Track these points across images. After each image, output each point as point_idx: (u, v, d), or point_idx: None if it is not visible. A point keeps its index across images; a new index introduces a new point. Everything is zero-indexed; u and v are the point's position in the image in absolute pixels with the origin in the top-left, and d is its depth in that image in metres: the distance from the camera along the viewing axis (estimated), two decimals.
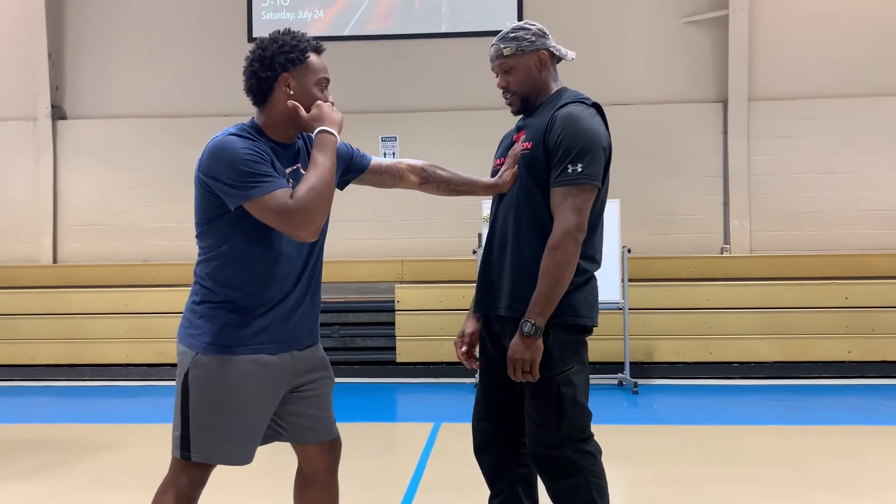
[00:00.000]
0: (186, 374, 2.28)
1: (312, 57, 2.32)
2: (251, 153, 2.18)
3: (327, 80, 2.36)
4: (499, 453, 2.68)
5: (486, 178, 2.76)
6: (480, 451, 2.73)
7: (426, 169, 2.73)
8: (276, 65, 2.27)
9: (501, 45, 2.62)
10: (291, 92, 2.28)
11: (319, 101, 2.29)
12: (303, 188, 2.15)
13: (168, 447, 2.31)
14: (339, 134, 2.28)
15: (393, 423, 6.23)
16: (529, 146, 2.56)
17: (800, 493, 3.98)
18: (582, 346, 2.56)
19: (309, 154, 2.31)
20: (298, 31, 2.35)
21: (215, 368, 2.26)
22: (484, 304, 2.68)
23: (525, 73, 2.62)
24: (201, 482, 2.32)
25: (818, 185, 8.31)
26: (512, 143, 2.71)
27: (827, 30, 8.32)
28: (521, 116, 2.76)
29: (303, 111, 2.27)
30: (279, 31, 2.34)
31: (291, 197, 2.14)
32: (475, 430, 2.74)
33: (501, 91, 2.68)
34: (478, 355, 2.77)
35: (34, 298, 8.23)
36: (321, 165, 2.20)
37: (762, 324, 7.50)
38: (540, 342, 2.41)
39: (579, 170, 2.43)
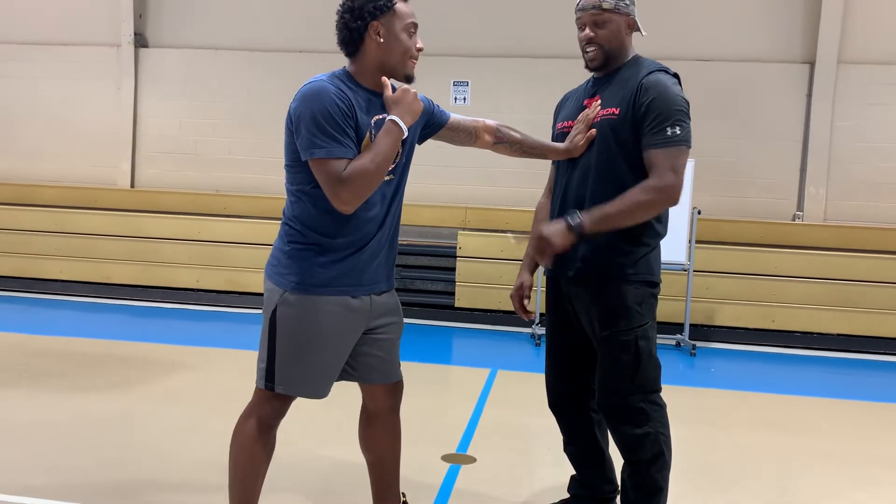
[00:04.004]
0: (274, 311, 2.39)
1: (400, 4, 2.36)
2: (337, 108, 2.24)
3: (415, 25, 2.41)
4: (573, 406, 2.87)
5: (556, 143, 2.79)
6: (556, 406, 2.91)
7: (500, 130, 2.80)
8: (366, 14, 2.32)
9: None
10: (381, 39, 2.33)
11: (406, 87, 2.36)
12: (356, 167, 2.22)
13: (239, 373, 2.46)
14: (410, 124, 2.34)
15: (450, 366, 6.37)
16: (617, 111, 2.59)
17: (861, 468, 3.95)
18: (655, 301, 2.69)
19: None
20: None
21: (302, 307, 2.37)
22: (556, 268, 2.74)
23: (616, 30, 2.64)
24: (282, 412, 2.47)
25: None
26: (581, 108, 2.72)
27: None
28: (590, 81, 2.79)
29: (389, 90, 2.34)
30: None
31: (345, 170, 2.21)
32: (549, 386, 2.91)
33: (584, 43, 2.67)
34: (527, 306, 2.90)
35: (111, 220, 8.56)
36: (381, 151, 2.27)
37: (830, 295, 7.33)
38: (572, 240, 2.47)
39: (678, 132, 2.49)
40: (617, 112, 2.59)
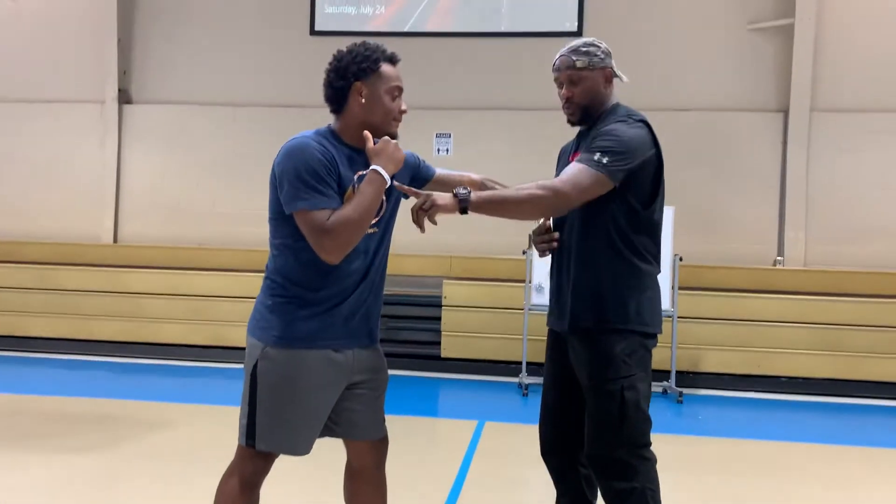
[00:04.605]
0: (255, 366, 2.39)
1: (385, 67, 2.42)
2: (319, 162, 2.28)
3: (400, 89, 2.45)
4: (564, 456, 2.82)
5: None
6: (547, 454, 2.87)
7: (485, 184, 2.83)
8: (350, 74, 2.38)
9: (574, 57, 2.69)
10: (364, 100, 2.38)
11: (387, 138, 2.40)
12: (340, 217, 2.26)
13: (224, 429, 2.43)
14: (392, 174, 2.38)
15: (437, 419, 6.32)
16: None
17: None
18: (647, 353, 2.66)
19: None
20: (374, 43, 2.45)
21: (283, 362, 2.37)
22: (553, 322, 2.80)
23: (591, 86, 2.70)
24: (264, 470, 2.44)
25: (879, 200, 8.13)
26: (568, 162, 2.78)
27: (894, 43, 8.12)
28: (578, 132, 2.84)
29: (370, 142, 2.38)
30: (356, 44, 2.45)
31: (328, 220, 2.25)
32: (542, 434, 2.88)
33: (563, 101, 2.74)
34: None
35: (95, 276, 8.52)
36: (364, 201, 2.30)
37: (814, 339, 7.38)
38: (454, 208, 2.45)
39: (605, 161, 2.50)
40: None
